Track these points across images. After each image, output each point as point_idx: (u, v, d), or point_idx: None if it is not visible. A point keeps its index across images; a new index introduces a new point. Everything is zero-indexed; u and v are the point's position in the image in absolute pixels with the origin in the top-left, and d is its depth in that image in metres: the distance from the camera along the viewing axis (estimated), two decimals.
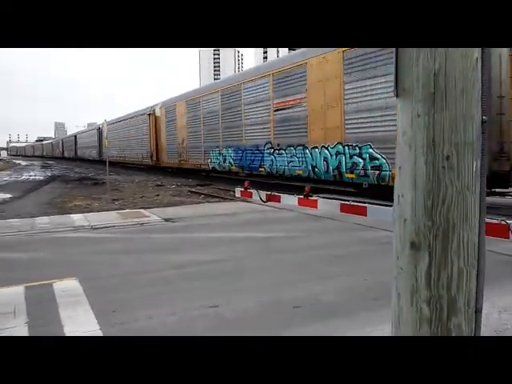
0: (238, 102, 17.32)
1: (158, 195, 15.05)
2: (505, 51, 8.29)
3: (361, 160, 11.31)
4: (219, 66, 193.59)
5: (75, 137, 57.58)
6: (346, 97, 11.70)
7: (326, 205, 10.75)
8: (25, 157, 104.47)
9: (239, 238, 7.76)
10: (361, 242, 7.11)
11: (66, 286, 5.08)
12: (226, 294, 4.71)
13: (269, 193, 12.70)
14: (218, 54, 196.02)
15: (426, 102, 1.49)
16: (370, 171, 11.00)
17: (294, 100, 14.02)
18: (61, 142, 74.21)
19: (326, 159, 12.67)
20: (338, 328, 3.73)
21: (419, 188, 1.53)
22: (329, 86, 12.34)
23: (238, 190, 14.35)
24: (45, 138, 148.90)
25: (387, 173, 10.47)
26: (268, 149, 15.44)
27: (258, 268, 5.77)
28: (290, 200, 11.92)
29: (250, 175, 17.21)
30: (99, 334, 3.75)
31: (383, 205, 9.04)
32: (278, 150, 14.87)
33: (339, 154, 12.10)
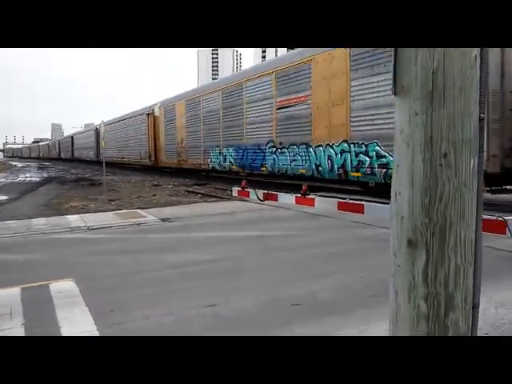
0: (239, 101, 17.11)
1: (154, 195, 15.02)
2: None
3: (367, 158, 11.10)
4: (217, 66, 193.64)
5: (72, 138, 57.45)
6: (352, 94, 11.47)
7: (324, 203, 10.73)
8: (21, 158, 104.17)
9: (237, 237, 7.75)
10: (358, 240, 7.12)
11: (63, 287, 5.06)
12: (225, 293, 4.71)
13: (266, 192, 12.69)
14: (217, 54, 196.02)
15: (424, 100, 1.50)
16: (376, 169, 10.80)
17: (297, 98, 13.78)
18: (57, 143, 74.06)
19: (330, 158, 12.44)
20: (336, 325, 3.73)
21: (416, 185, 1.53)
22: (334, 82, 12.12)
23: (235, 190, 14.29)
24: (41, 140, 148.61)
25: None
26: (270, 148, 15.22)
27: (257, 267, 5.76)
28: (287, 199, 11.89)
29: (252, 175, 17.00)
30: (96, 334, 3.73)
31: (381, 202, 9.04)
32: (281, 148, 14.65)
33: (344, 152, 11.87)
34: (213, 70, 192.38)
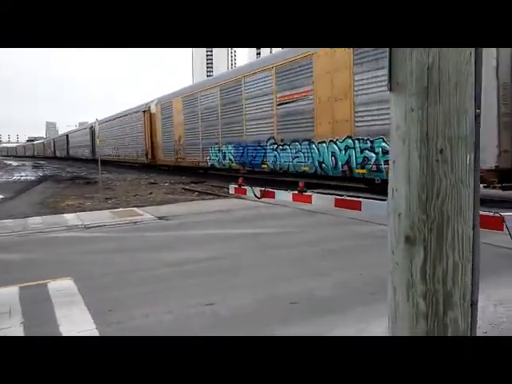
0: (238, 97, 16.79)
1: (151, 193, 15.00)
2: None
3: (373, 154, 10.81)
4: (212, 65, 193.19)
5: (67, 136, 57.19)
6: (355, 88, 11.16)
7: (321, 200, 10.78)
8: (16, 157, 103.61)
9: (234, 234, 7.76)
10: (355, 237, 7.14)
11: (61, 286, 5.06)
12: (222, 290, 4.72)
13: (263, 189, 12.70)
14: (211, 53, 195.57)
15: (419, 95, 1.49)
16: (383, 166, 10.56)
17: (298, 93, 13.46)
18: (52, 141, 73.72)
19: (334, 154, 12.11)
20: (334, 323, 3.75)
21: (413, 182, 1.53)
22: (337, 77, 11.80)
23: (232, 187, 14.33)
24: (36, 138, 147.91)
25: None
26: (271, 144, 14.90)
27: (254, 264, 5.78)
28: (284, 196, 11.94)
29: (252, 172, 16.73)
30: (95, 333, 3.74)
31: (378, 199, 9.07)
32: (282, 145, 14.32)
33: (349, 148, 11.55)
34: (207, 68, 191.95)
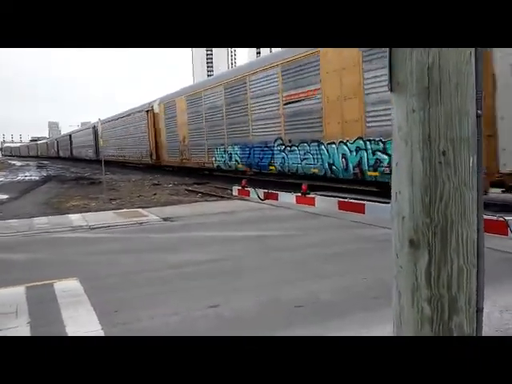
0: (243, 96, 16.15)
1: (155, 194, 15.03)
2: None
3: (386, 156, 10.25)
4: (212, 64, 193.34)
5: (70, 136, 57.20)
6: (366, 87, 10.59)
7: (324, 202, 10.75)
8: (20, 157, 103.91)
9: (237, 236, 7.78)
10: (359, 240, 7.13)
11: (67, 286, 5.10)
12: (226, 293, 4.72)
13: (266, 191, 12.70)
14: (211, 53, 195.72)
15: (420, 96, 1.49)
16: None
17: (305, 92, 12.85)
18: (56, 141, 73.78)
19: (344, 156, 11.56)
20: (337, 327, 3.73)
21: (416, 184, 1.52)
22: (346, 75, 11.25)
23: (236, 189, 14.32)
24: (39, 138, 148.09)
25: None
26: (278, 145, 14.30)
27: (257, 267, 5.78)
28: (287, 198, 11.92)
29: (259, 174, 16.25)
30: (101, 334, 3.76)
31: (382, 202, 9.05)
32: (290, 146, 13.73)
33: (360, 149, 11.00)
34: (208, 69, 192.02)
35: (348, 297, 4.52)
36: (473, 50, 1.50)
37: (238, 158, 17.07)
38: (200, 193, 15.09)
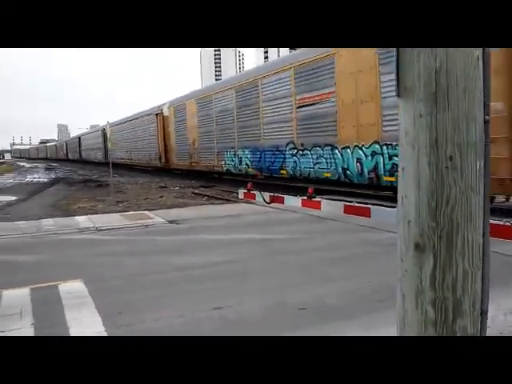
0: (255, 99, 16.07)
1: (161, 197, 15.07)
2: None
3: None
4: (220, 66, 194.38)
5: (79, 138, 57.59)
6: (382, 90, 10.34)
7: (330, 206, 10.74)
8: (29, 159, 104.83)
9: (243, 239, 7.77)
10: (364, 244, 7.10)
11: (72, 288, 5.11)
12: (230, 296, 4.71)
13: (272, 194, 12.70)
14: (219, 55, 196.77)
15: (427, 101, 1.48)
16: None
17: (320, 95, 12.69)
18: (65, 144, 74.37)
19: (359, 160, 11.39)
20: (342, 330, 3.72)
21: (422, 188, 1.52)
22: (362, 78, 11.08)
23: (241, 192, 14.34)
24: (48, 141, 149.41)
25: None
26: (290, 149, 14.17)
27: (262, 270, 5.77)
28: (293, 201, 11.91)
29: (270, 178, 16.15)
30: (104, 335, 3.77)
31: (387, 206, 9.01)
32: (302, 150, 13.59)
33: (376, 154, 10.81)
34: (216, 70, 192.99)
35: (353, 300, 4.50)
36: (480, 53, 1.48)
37: (248, 162, 16.99)
38: (206, 196, 15.11)
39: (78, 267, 6.06)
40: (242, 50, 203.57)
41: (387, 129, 10.40)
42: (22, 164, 61.72)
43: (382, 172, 10.69)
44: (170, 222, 9.75)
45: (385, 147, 10.52)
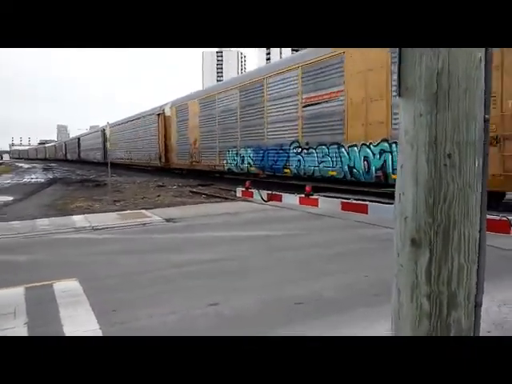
0: (259, 99, 16.19)
1: (159, 196, 15.04)
2: None
3: None
4: (222, 67, 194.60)
5: (78, 139, 57.60)
6: (393, 88, 10.15)
7: (327, 203, 10.73)
8: (27, 160, 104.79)
9: (241, 237, 7.75)
10: (362, 240, 7.10)
11: (66, 287, 5.07)
12: (228, 292, 4.71)
13: (270, 192, 12.68)
14: (221, 55, 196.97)
15: (428, 101, 1.49)
16: None
17: (328, 94, 12.74)
18: (64, 144, 74.39)
19: (366, 158, 11.39)
20: (338, 323, 3.73)
21: (420, 185, 1.53)
22: (372, 76, 11.13)
23: (239, 190, 14.33)
24: (47, 141, 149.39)
25: None
26: (295, 148, 14.21)
27: (260, 266, 5.76)
28: (291, 199, 11.90)
29: (273, 176, 16.13)
30: (99, 333, 3.74)
31: (385, 202, 9.00)
32: (307, 149, 13.64)
33: (384, 152, 10.81)
34: (217, 71, 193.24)
35: (350, 294, 4.52)
36: (483, 54, 1.48)
37: (250, 161, 16.99)
38: (204, 194, 15.09)
39: (74, 266, 6.03)
40: (243, 51, 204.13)
41: (397, 127, 10.25)
42: (20, 165, 61.65)
43: (391, 170, 10.69)
44: (168, 220, 9.73)
45: (394, 145, 10.54)
